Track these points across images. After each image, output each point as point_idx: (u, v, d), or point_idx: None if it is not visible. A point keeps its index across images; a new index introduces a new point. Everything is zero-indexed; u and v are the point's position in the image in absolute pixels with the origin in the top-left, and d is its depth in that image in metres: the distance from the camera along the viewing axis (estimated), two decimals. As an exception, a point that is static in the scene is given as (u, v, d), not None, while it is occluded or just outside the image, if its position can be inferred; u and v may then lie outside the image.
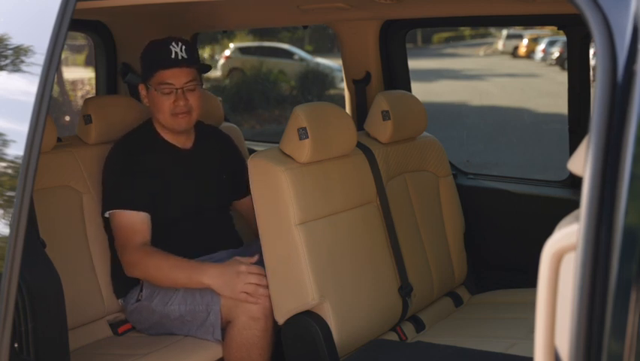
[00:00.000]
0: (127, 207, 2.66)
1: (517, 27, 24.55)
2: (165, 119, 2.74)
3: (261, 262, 2.53)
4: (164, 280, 2.60)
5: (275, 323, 2.51)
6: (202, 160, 2.88)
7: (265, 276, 2.48)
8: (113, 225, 2.69)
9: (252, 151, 3.47)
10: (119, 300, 2.82)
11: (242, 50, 19.89)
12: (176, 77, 2.68)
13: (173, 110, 2.70)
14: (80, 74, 16.39)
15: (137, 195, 2.67)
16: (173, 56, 2.67)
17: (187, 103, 2.70)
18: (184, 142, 2.85)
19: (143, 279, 2.69)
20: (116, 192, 2.70)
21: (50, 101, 1.65)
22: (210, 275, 2.50)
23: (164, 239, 2.73)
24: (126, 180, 2.69)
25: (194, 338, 2.60)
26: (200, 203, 2.84)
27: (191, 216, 2.80)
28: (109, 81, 3.50)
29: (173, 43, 2.67)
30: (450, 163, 3.22)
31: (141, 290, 2.71)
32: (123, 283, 2.77)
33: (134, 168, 2.71)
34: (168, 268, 2.57)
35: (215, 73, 19.04)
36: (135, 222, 2.65)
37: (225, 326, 2.54)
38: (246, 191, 2.78)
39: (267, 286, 2.48)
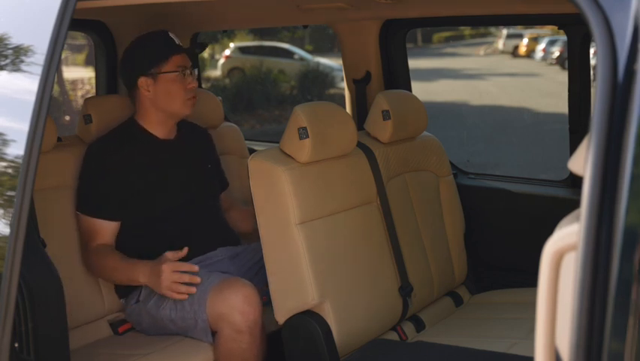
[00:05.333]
0: (92, 214, 2.71)
1: (518, 26, 24.56)
2: (178, 106, 2.78)
3: (261, 262, 2.53)
4: (116, 281, 2.73)
5: (265, 331, 2.52)
6: (187, 149, 2.91)
7: (188, 274, 2.54)
8: (78, 225, 2.75)
9: (252, 151, 3.47)
10: (122, 300, 2.82)
11: (242, 50, 19.90)
12: (185, 60, 2.79)
13: (188, 93, 2.77)
14: (79, 74, 16.40)
15: (104, 203, 2.71)
16: (176, 42, 2.79)
17: (195, 84, 2.82)
18: (168, 134, 2.87)
19: (102, 279, 2.78)
20: (85, 196, 2.74)
21: (50, 100, 1.65)
22: (143, 274, 2.59)
23: (159, 237, 2.74)
24: (96, 185, 2.72)
25: (194, 338, 2.60)
26: (192, 193, 2.85)
27: (184, 209, 2.80)
28: (109, 81, 3.50)
29: (169, 33, 2.79)
30: (450, 163, 3.22)
31: (140, 292, 2.72)
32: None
33: (110, 168, 2.72)
34: (111, 270, 2.67)
35: (215, 72, 19.04)
36: (97, 227, 2.71)
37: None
38: (224, 185, 3.11)
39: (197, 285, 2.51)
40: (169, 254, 2.55)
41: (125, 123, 2.86)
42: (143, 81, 2.76)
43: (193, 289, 2.50)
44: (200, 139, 3.02)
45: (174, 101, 2.77)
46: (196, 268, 2.53)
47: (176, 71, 2.74)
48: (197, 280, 2.51)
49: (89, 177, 2.74)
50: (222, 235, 2.89)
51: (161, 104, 2.78)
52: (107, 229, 2.71)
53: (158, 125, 2.83)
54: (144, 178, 2.75)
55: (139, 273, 2.59)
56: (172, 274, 2.50)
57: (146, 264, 2.59)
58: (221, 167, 3.13)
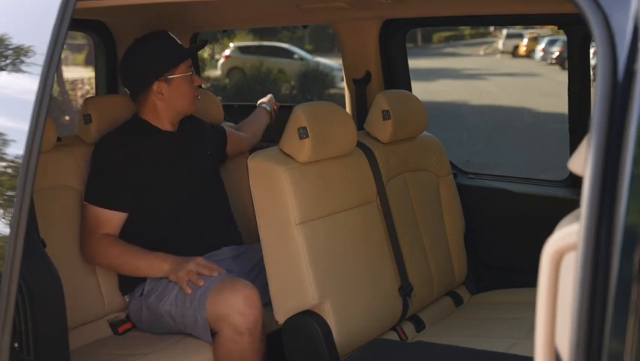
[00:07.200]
0: (101, 204, 2.72)
1: (518, 26, 24.57)
2: (189, 105, 2.87)
3: (261, 263, 2.53)
4: (126, 268, 2.71)
5: (265, 331, 2.52)
6: (190, 140, 2.95)
7: (209, 275, 2.58)
8: (84, 214, 2.75)
9: (251, 151, 3.47)
10: (125, 296, 2.82)
11: (242, 50, 19.90)
12: (190, 61, 2.88)
13: (195, 92, 2.87)
14: (79, 74, 16.42)
15: (113, 194, 2.72)
16: (180, 44, 2.88)
17: (199, 81, 2.98)
18: (173, 128, 2.91)
19: (105, 267, 2.77)
20: (95, 187, 2.75)
21: (50, 100, 1.65)
22: (169, 261, 2.64)
23: (165, 232, 2.75)
24: (106, 177, 2.73)
25: (194, 337, 2.60)
26: (195, 185, 2.86)
27: (192, 202, 2.82)
28: (109, 81, 3.50)
29: (169, 33, 2.88)
30: (450, 163, 3.22)
31: (144, 286, 2.72)
32: (130, 279, 2.77)
33: (120, 161, 2.74)
34: (130, 255, 2.67)
35: (215, 72, 19.05)
36: (105, 217, 2.71)
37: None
38: (226, 138, 3.22)
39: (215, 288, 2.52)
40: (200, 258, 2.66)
41: (130, 120, 2.89)
42: (157, 85, 2.79)
43: (201, 282, 2.54)
44: (196, 127, 3.05)
45: (185, 101, 2.85)
46: (215, 274, 2.59)
47: (188, 73, 2.83)
48: (202, 282, 2.56)
49: (100, 171, 2.76)
50: (227, 234, 2.91)
51: (174, 105, 2.84)
52: (114, 220, 2.72)
53: (165, 122, 2.87)
54: (155, 170, 2.77)
55: (164, 261, 2.63)
56: (197, 266, 2.58)
57: (174, 256, 2.65)
58: (221, 133, 3.22)
